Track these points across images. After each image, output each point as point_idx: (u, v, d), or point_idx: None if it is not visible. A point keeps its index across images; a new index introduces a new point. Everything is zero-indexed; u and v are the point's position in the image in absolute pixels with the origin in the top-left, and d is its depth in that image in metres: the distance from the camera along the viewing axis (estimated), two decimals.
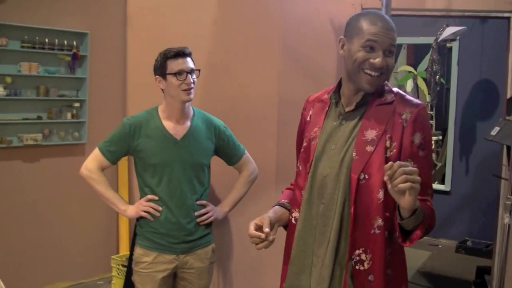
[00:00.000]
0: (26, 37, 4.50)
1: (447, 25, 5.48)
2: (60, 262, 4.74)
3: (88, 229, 4.91)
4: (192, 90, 2.87)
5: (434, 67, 5.48)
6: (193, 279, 3.01)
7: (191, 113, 2.99)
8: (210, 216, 3.00)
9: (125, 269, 4.05)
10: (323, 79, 3.69)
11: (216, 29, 3.76)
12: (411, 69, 6.87)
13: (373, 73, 1.96)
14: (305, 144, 2.17)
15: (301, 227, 2.11)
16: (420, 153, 1.98)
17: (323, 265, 2.04)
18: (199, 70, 2.95)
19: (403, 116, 1.99)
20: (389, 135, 1.97)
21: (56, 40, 4.66)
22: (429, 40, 5.63)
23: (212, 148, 3.04)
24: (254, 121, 3.72)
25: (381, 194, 1.95)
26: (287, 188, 2.36)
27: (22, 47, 4.49)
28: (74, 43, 4.73)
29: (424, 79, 6.32)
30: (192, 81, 2.86)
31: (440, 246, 5.63)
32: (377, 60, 1.94)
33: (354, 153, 1.99)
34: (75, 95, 4.84)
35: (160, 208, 2.90)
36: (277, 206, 2.23)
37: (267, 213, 2.15)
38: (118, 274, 4.38)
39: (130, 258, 3.16)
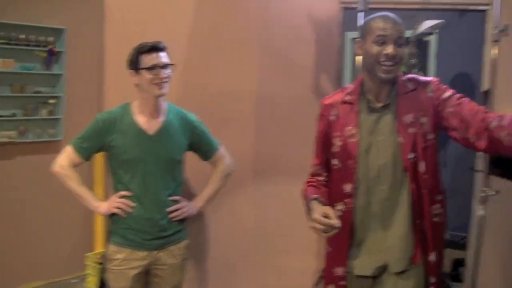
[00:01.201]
0: (1, 33, 4.44)
1: (425, 19, 5.48)
2: (35, 261, 4.69)
3: (64, 227, 4.86)
4: (166, 85, 2.84)
5: (412, 60, 5.48)
6: (166, 275, 2.99)
7: (166, 108, 2.96)
8: (183, 212, 2.98)
9: (100, 266, 4.02)
10: (301, 75, 3.68)
11: (195, 25, 3.72)
12: None
13: (388, 63, 2.24)
14: (340, 143, 2.41)
15: (362, 217, 2.38)
16: (454, 97, 2.28)
17: (399, 242, 2.33)
18: (173, 65, 2.91)
19: (428, 90, 2.34)
20: (422, 113, 2.30)
21: (32, 36, 4.60)
22: (408, 33, 5.62)
23: (186, 144, 3.01)
24: (232, 117, 3.70)
25: (425, 168, 2.30)
26: (310, 185, 2.55)
27: None
28: (51, 39, 4.68)
29: (404, 73, 6.33)
30: (165, 75, 2.83)
31: None
32: (389, 51, 2.22)
33: (400, 137, 2.29)
34: (51, 92, 4.79)
35: (132, 204, 2.87)
36: (315, 201, 2.34)
37: (318, 207, 2.27)
38: (93, 272, 4.33)
39: None
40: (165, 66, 2.84)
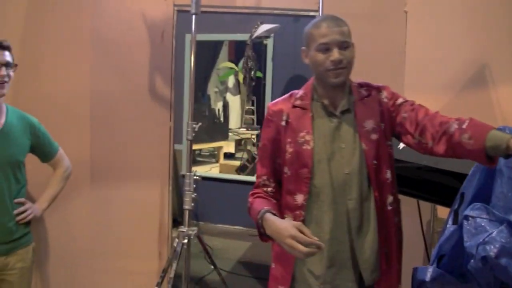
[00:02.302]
0: None
1: (261, 23, 5.67)
2: None
3: None
4: (6, 85, 2.70)
5: (249, 63, 5.67)
6: (15, 280, 2.84)
7: (4, 110, 2.82)
8: (30, 214, 2.87)
9: None
10: (135, 75, 3.66)
11: (26, 25, 3.59)
12: (232, 65, 7.01)
13: (336, 69, 2.14)
14: (291, 149, 2.24)
15: (331, 228, 2.20)
16: (408, 103, 2.25)
17: (371, 252, 2.22)
18: (16, 66, 2.78)
19: (382, 96, 2.28)
20: (380, 119, 2.24)
21: None
22: (245, 37, 5.80)
23: (28, 145, 2.89)
24: (66, 118, 3.61)
25: (388, 174, 2.24)
26: (257, 197, 2.32)
27: None
28: None
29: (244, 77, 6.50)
30: (5, 73, 2.68)
31: (257, 237, 5.81)
32: (335, 56, 2.12)
33: (363, 144, 2.20)
34: None
35: None
36: (269, 214, 2.12)
37: (287, 222, 2.05)
38: None
39: None
40: (6, 64, 2.69)
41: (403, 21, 3.48)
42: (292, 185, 2.25)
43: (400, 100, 2.27)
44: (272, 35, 5.89)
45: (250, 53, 5.74)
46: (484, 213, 2.32)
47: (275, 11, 4.07)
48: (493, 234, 2.25)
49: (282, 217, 2.16)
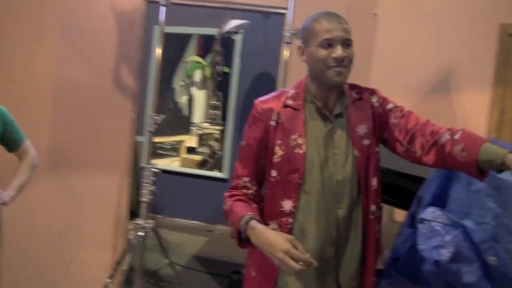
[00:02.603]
0: None
1: (231, 18, 5.64)
2: None
3: None
4: None
5: (216, 58, 5.63)
6: None
7: None
8: None
9: None
10: (101, 64, 3.63)
11: None
12: (200, 59, 6.95)
13: (338, 66, 2.04)
14: (281, 152, 2.13)
15: (316, 237, 2.12)
16: (398, 109, 2.21)
17: (353, 261, 2.18)
18: None
19: (374, 100, 2.21)
20: (371, 124, 2.17)
21: None
22: (214, 31, 5.76)
23: None
24: (28, 105, 3.56)
25: (375, 182, 2.18)
26: (237, 200, 2.18)
27: None
28: None
29: (212, 73, 6.47)
30: None
31: (217, 232, 5.81)
32: (338, 53, 2.03)
33: (355, 150, 2.13)
34: None
35: None
36: (255, 222, 2.02)
37: (273, 232, 1.99)
38: None
39: None
40: None
41: (373, 23, 3.51)
42: (280, 190, 2.13)
43: (390, 105, 2.21)
44: (241, 31, 5.86)
45: (218, 48, 5.70)
46: (440, 217, 2.35)
47: (245, 7, 4.08)
48: (447, 238, 2.28)
49: (266, 224, 2.08)
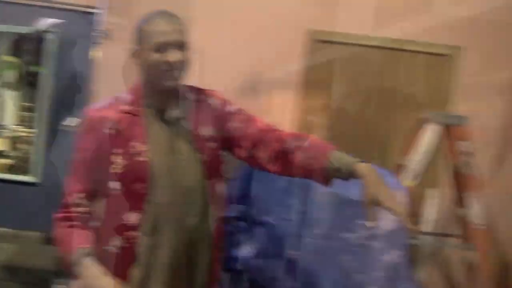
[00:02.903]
0: None
1: (45, 17, 5.46)
2: None
3: None
4: None
5: (29, 57, 5.43)
6: None
7: None
8: None
9: None
10: None
11: None
12: (11, 58, 6.65)
13: (171, 70, 1.97)
14: (124, 162, 1.98)
15: (166, 249, 1.99)
16: (241, 112, 2.17)
17: (203, 272, 2.08)
18: None
19: (212, 102, 2.16)
20: (213, 127, 2.10)
21: None
22: (26, 30, 5.53)
23: None
24: None
25: (222, 187, 2.15)
26: (72, 226, 1.99)
27: None
28: None
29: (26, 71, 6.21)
30: None
31: (25, 238, 5.55)
32: (171, 58, 1.95)
33: (201, 154, 2.05)
34: None
35: None
36: (89, 261, 1.89)
37: (105, 277, 1.84)
38: None
39: None
40: None
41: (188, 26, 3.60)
42: (124, 203, 1.98)
43: (232, 108, 2.17)
44: (55, 30, 5.69)
45: (30, 47, 5.48)
46: (243, 215, 2.47)
47: (58, 5, 4.00)
48: (251, 235, 2.39)
49: (105, 242, 1.98)
